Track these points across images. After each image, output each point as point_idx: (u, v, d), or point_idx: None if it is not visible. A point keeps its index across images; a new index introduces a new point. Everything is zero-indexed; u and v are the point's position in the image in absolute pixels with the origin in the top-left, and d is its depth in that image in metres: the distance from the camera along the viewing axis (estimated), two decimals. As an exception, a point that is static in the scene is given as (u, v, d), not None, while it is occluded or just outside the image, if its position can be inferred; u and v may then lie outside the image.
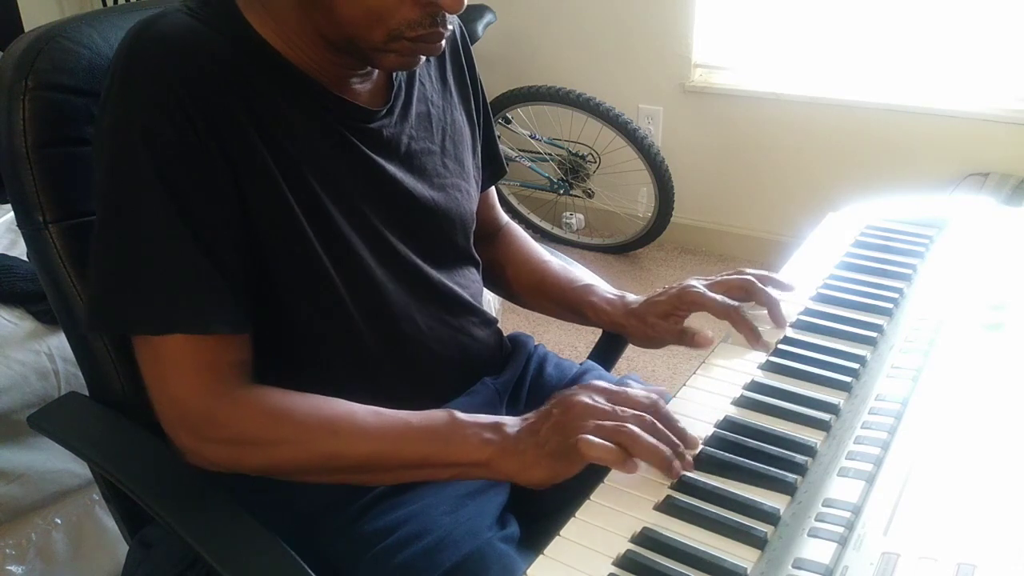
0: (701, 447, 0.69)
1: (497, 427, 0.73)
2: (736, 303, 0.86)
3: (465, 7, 0.73)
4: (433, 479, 0.77)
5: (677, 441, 0.67)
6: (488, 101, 1.03)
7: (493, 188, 1.10)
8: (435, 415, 0.75)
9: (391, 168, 0.85)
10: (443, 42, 0.77)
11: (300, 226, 0.77)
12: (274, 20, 0.77)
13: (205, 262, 0.72)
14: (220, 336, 0.74)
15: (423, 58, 0.79)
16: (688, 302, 0.90)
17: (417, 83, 0.90)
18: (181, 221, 0.71)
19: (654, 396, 0.71)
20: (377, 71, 0.85)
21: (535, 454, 0.69)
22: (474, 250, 0.99)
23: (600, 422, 0.67)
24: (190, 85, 0.72)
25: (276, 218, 0.77)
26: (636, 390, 0.72)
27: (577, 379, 1.02)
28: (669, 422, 0.69)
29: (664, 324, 0.92)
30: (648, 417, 0.68)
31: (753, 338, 0.84)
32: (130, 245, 0.73)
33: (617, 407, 0.69)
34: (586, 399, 0.70)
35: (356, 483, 0.78)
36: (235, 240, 0.75)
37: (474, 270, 0.99)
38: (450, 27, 0.76)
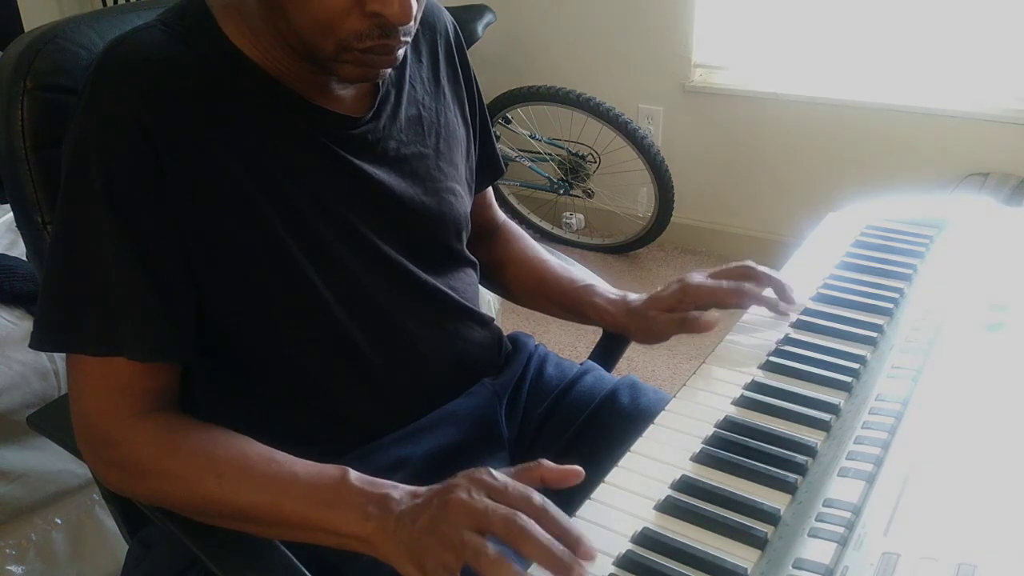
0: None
1: (384, 501, 0.65)
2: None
3: (415, 19, 0.72)
4: (321, 544, 0.68)
5: (559, 554, 0.56)
6: (487, 101, 1.03)
7: (490, 187, 1.10)
8: (327, 472, 0.69)
9: (379, 173, 0.84)
10: (400, 52, 0.75)
11: (281, 240, 0.77)
12: (250, 31, 0.76)
13: (148, 287, 0.72)
14: (145, 362, 0.73)
15: (386, 71, 0.77)
16: (693, 295, 0.90)
17: (407, 86, 0.89)
18: (128, 244, 0.71)
19: (539, 501, 0.60)
20: None
21: (408, 548, 0.62)
22: (468, 252, 0.98)
23: (467, 534, 0.58)
24: (154, 106, 0.71)
25: (255, 235, 0.76)
26: (524, 491, 0.61)
27: (577, 379, 1.01)
28: (558, 527, 0.58)
29: (666, 316, 0.91)
30: (518, 523, 0.58)
31: (772, 305, 0.84)
32: (76, 263, 0.72)
33: (494, 508, 0.59)
34: (464, 495, 0.61)
35: (249, 533, 0.71)
36: (185, 267, 0.74)
37: (470, 271, 0.98)
38: (405, 38, 0.74)
